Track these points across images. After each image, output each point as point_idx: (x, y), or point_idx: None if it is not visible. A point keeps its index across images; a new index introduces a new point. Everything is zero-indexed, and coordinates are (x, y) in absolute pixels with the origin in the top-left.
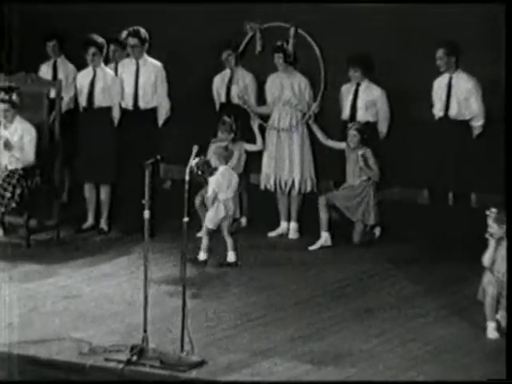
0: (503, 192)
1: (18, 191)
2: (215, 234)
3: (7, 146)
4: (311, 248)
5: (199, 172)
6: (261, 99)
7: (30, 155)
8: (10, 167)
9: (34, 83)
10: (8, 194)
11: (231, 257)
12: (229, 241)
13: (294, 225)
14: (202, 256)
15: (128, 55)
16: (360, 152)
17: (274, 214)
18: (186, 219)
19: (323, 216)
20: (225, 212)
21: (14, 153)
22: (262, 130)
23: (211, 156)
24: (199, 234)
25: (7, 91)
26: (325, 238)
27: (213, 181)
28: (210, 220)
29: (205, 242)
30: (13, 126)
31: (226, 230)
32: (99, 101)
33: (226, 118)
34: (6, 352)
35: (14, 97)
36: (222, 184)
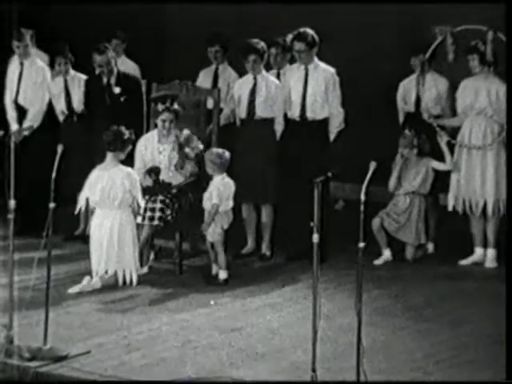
0: None
1: (175, 206)
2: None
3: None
4: None
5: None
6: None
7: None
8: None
9: (189, 92)
10: (168, 211)
11: (223, 274)
12: (222, 257)
13: (491, 251)
14: (223, 275)
15: (291, 60)
16: None
17: (466, 239)
18: (361, 244)
19: None
20: (227, 223)
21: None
22: (451, 146)
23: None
24: (377, 262)
25: (169, 100)
26: None
27: (212, 194)
28: (212, 234)
29: (222, 259)
30: (170, 138)
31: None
32: (261, 111)
33: (407, 132)
34: None
35: (176, 106)
36: (221, 196)
